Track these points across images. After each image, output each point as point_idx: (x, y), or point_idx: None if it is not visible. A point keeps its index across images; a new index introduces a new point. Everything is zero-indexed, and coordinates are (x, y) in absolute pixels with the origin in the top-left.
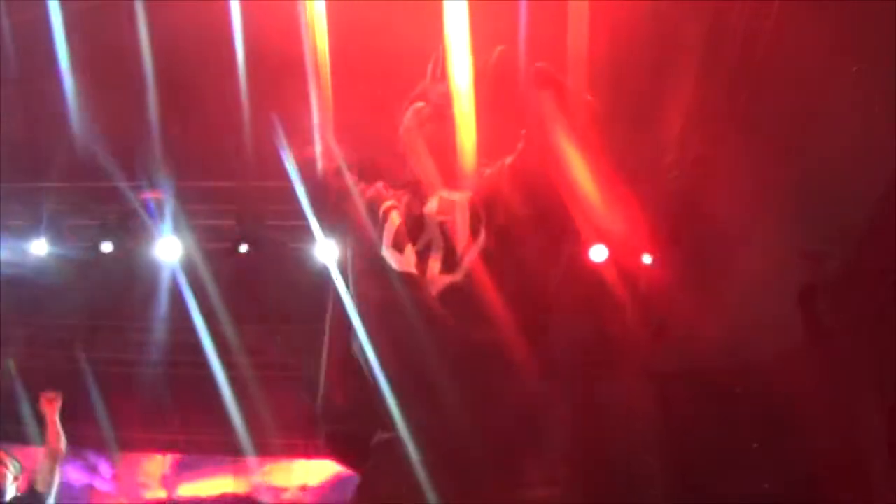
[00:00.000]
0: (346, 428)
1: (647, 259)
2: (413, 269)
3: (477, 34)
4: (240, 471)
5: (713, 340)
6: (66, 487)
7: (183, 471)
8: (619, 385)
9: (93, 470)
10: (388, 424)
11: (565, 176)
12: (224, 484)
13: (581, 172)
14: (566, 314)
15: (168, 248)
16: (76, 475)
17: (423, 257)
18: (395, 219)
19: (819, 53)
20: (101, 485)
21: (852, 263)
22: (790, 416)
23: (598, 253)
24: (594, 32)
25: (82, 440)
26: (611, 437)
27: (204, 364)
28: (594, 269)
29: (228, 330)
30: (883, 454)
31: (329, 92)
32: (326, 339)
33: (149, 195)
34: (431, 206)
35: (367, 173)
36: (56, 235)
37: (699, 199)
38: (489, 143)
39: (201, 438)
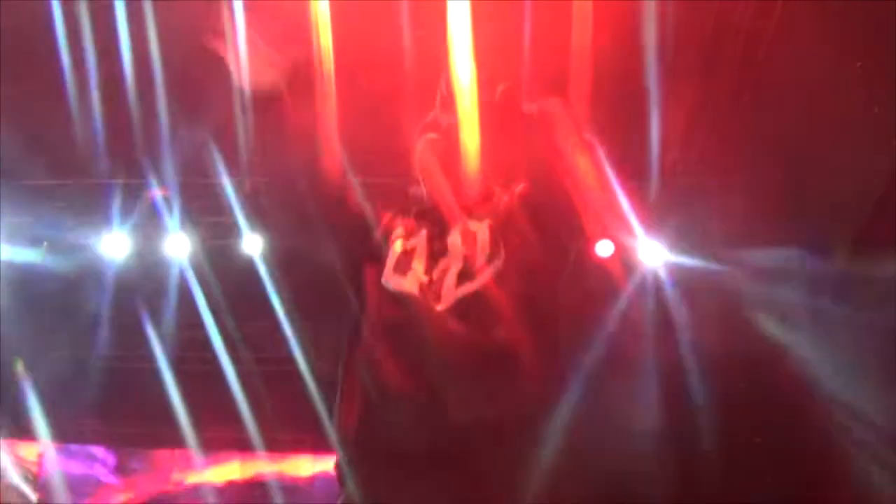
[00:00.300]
0: (358, 456)
1: (653, 257)
2: (416, 291)
3: (481, 35)
4: (246, 458)
5: (719, 337)
6: (70, 480)
7: (189, 461)
8: (626, 384)
9: (97, 462)
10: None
11: (572, 196)
12: (230, 471)
13: (586, 188)
14: (574, 324)
15: (177, 245)
16: (80, 468)
17: (439, 278)
18: (398, 247)
19: (823, 52)
20: (106, 477)
21: (855, 258)
22: (795, 411)
23: (605, 248)
24: (597, 30)
25: (88, 435)
26: (616, 438)
27: (212, 360)
28: (600, 273)
29: (235, 325)
30: (887, 447)
31: (333, 95)
32: (341, 368)
33: (156, 192)
34: (455, 237)
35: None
36: (62, 233)
37: (704, 195)
38: (499, 170)
39: (209, 435)
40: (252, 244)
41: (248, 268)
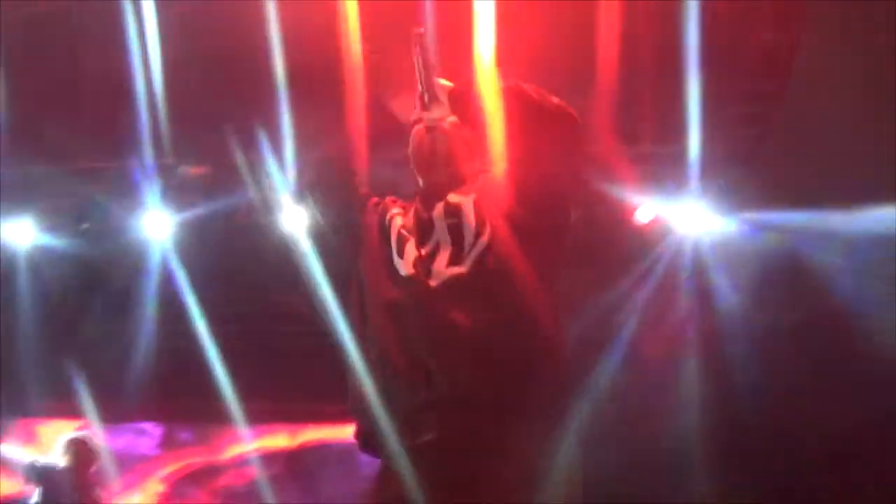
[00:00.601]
0: (370, 423)
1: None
2: (413, 271)
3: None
4: (294, 429)
5: (768, 307)
6: (112, 455)
7: (238, 432)
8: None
9: (143, 436)
10: (398, 416)
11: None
12: (279, 441)
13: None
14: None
15: (216, 221)
16: (122, 443)
17: (431, 256)
18: (398, 223)
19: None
20: (151, 450)
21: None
22: (857, 383)
23: (644, 213)
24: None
25: (134, 414)
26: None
27: (252, 332)
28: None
29: (275, 298)
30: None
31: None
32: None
33: (192, 170)
34: (439, 209)
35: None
36: (98, 215)
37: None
38: (483, 150)
39: (257, 408)
40: (293, 218)
41: (291, 242)
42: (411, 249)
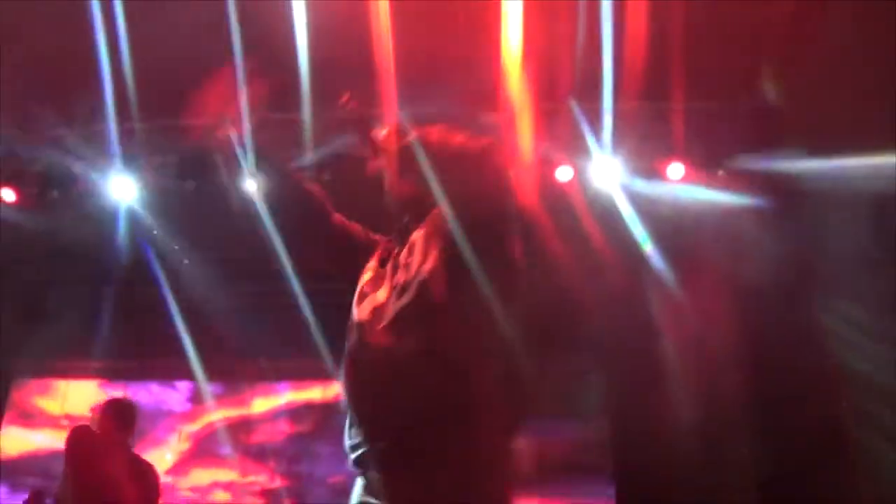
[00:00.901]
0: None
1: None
2: (366, 317)
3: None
4: (327, 384)
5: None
6: (151, 413)
7: (270, 386)
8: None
9: (172, 391)
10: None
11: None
12: (311, 394)
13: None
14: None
15: (249, 181)
16: (151, 398)
17: (390, 296)
18: (366, 278)
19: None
20: (181, 405)
21: None
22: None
23: (675, 171)
24: None
25: (167, 372)
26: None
27: (286, 293)
28: None
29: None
30: None
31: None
32: None
33: (227, 132)
34: (404, 251)
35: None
36: (136, 174)
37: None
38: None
39: (285, 364)
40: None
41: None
42: (376, 297)
